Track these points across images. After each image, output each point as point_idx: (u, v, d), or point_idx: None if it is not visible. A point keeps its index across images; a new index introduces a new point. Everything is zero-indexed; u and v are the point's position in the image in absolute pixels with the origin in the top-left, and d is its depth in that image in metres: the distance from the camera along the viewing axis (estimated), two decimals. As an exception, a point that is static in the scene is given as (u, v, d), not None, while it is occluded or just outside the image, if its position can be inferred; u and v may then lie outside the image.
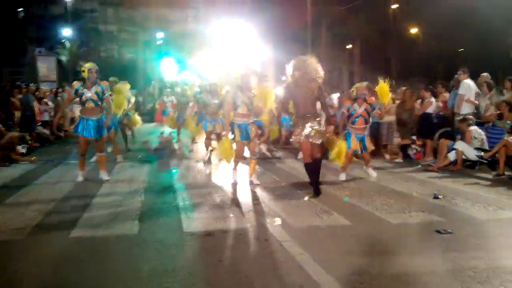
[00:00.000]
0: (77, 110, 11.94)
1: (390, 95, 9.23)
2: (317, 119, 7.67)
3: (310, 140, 7.55)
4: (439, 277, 4.23)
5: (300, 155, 10.67)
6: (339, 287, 3.97)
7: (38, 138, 14.95)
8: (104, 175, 8.73)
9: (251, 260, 4.71)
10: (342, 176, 8.97)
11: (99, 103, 8.39)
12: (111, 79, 12.13)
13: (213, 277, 4.20)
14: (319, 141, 7.62)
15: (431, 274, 4.31)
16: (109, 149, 11.65)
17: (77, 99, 8.62)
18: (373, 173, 9.14)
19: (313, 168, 7.71)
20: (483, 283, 4.10)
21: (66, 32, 44.31)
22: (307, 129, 7.56)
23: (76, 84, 8.47)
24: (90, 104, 8.30)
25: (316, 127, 7.56)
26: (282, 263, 4.56)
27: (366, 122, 8.95)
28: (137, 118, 13.70)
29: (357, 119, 8.83)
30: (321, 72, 7.55)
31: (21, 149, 11.91)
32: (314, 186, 7.62)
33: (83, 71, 8.32)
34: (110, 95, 9.66)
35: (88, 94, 8.27)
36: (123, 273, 4.33)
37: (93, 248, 5.08)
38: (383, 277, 4.23)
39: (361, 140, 8.93)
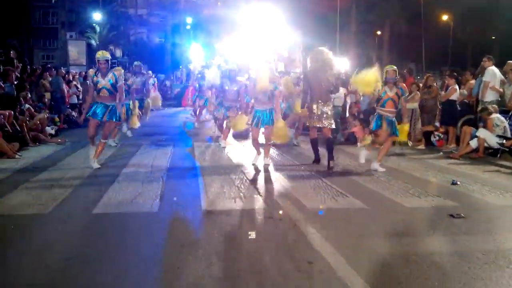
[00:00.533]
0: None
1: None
2: (329, 106, 8.72)
3: (320, 123, 8.65)
4: (446, 258, 4.32)
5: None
6: (347, 264, 4.10)
7: (66, 120, 15.37)
8: (94, 163, 8.42)
9: (264, 238, 4.87)
10: (379, 167, 8.54)
11: (114, 91, 8.32)
12: (136, 63, 12.39)
13: (225, 252, 4.38)
14: (326, 124, 8.65)
15: (439, 255, 4.40)
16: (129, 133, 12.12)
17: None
18: (380, 168, 8.52)
19: (327, 147, 8.77)
20: (490, 264, 4.19)
21: (97, 16, 44.89)
22: (319, 112, 8.61)
23: (92, 72, 8.53)
24: (105, 93, 8.24)
25: (327, 112, 8.64)
26: (293, 241, 4.71)
27: (396, 106, 8.59)
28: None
29: (387, 101, 8.48)
30: (335, 67, 8.78)
31: (50, 130, 12.27)
32: (329, 161, 8.64)
33: (98, 59, 8.27)
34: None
35: (102, 82, 8.21)
36: (141, 247, 4.54)
37: (114, 224, 5.31)
38: (391, 256, 4.35)
39: (391, 124, 8.54)
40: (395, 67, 8.76)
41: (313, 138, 9.07)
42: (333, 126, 8.93)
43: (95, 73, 8.34)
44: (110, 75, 8.25)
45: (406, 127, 8.94)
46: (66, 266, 4.04)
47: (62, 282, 3.76)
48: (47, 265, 4.05)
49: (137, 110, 12.17)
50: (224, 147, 10.98)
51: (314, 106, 8.66)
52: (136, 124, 12.11)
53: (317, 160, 9.20)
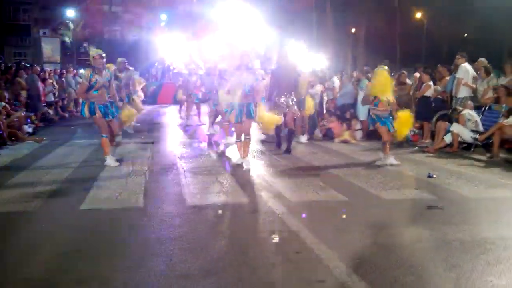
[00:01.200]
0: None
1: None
2: (292, 97, 9.82)
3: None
4: (425, 247, 4.52)
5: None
6: (332, 253, 4.26)
7: (43, 118, 15.24)
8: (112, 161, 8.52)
9: (250, 230, 5.02)
10: (393, 160, 8.77)
11: (108, 87, 8.36)
12: (119, 59, 12.22)
13: (212, 244, 4.51)
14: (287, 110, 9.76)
15: (418, 244, 4.60)
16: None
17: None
18: (394, 161, 8.77)
19: (288, 137, 10.15)
20: (466, 253, 4.39)
21: (70, 13, 44.31)
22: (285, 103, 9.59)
23: (88, 72, 8.32)
24: (103, 91, 8.22)
25: (291, 103, 9.76)
26: (279, 233, 4.87)
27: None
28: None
29: (380, 102, 8.80)
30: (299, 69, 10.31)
31: (27, 128, 12.19)
32: (288, 145, 9.95)
33: (93, 56, 8.27)
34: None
35: (101, 81, 8.20)
36: (131, 241, 4.64)
37: (102, 219, 5.39)
38: (372, 245, 4.53)
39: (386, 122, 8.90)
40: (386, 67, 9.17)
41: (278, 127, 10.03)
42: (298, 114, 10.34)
43: (91, 72, 8.20)
44: (104, 72, 8.29)
45: (405, 116, 9.19)
46: (61, 261, 4.11)
47: (59, 276, 3.83)
48: (41, 261, 4.12)
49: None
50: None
51: (282, 99, 9.65)
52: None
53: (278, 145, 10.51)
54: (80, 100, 8.65)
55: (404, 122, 9.11)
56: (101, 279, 3.75)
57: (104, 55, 8.36)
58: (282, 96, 9.62)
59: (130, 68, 12.69)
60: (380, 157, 9.00)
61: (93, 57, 8.25)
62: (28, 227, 5.06)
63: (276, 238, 4.70)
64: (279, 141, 10.54)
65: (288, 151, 9.89)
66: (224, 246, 4.50)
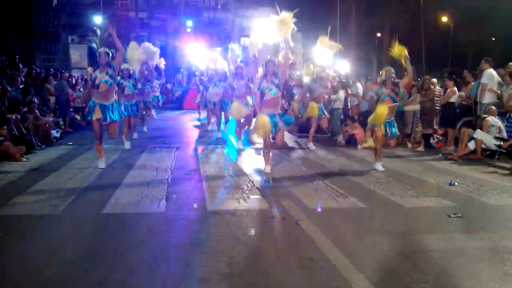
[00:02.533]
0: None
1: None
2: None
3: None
4: (442, 255, 4.51)
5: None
6: (347, 261, 4.29)
7: (71, 124, 15.58)
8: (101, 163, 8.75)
9: (267, 236, 5.09)
10: (379, 166, 8.88)
11: (113, 84, 8.52)
12: (123, 66, 12.15)
13: (230, 250, 4.57)
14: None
15: (436, 252, 4.59)
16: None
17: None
18: (380, 167, 8.85)
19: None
20: (484, 261, 4.38)
21: (97, 19, 45.03)
22: None
23: (90, 69, 8.68)
24: (104, 86, 8.36)
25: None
26: (296, 240, 4.91)
27: (394, 100, 8.86)
28: None
29: (385, 98, 8.79)
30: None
31: (55, 133, 12.46)
32: None
33: (98, 54, 8.52)
34: None
35: (100, 76, 8.33)
36: (151, 245, 4.74)
37: (124, 223, 5.52)
38: (390, 253, 4.55)
39: (389, 125, 8.86)
40: (391, 68, 9.13)
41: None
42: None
43: (94, 69, 8.50)
44: (107, 68, 8.40)
45: (382, 109, 8.80)
46: (80, 263, 4.24)
47: (77, 278, 3.94)
48: (62, 262, 4.25)
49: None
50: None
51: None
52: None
53: None
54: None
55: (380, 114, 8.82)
56: (117, 282, 3.85)
57: (110, 54, 8.54)
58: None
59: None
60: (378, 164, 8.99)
61: (99, 53, 8.45)
62: (51, 230, 5.21)
63: (292, 245, 4.75)
64: None
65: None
66: (240, 251, 4.56)
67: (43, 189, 7.05)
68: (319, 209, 6.07)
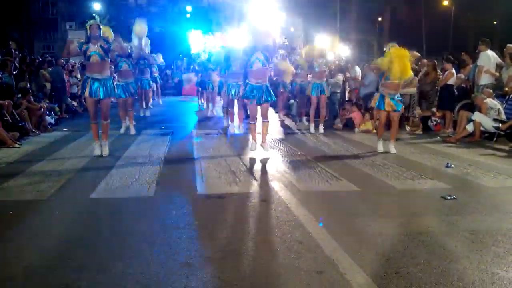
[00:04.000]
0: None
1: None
2: None
3: None
4: (435, 238, 4.41)
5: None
6: (336, 243, 4.20)
7: (67, 110, 15.45)
8: (105, 148, 8.46)
9: (257, 219, 4.99)
10: (380, 147, 8.90)
11: (105, 57, 8.18)
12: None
13: (218, 233, 4.48)
14: None
15: (427, 234, 4.50)
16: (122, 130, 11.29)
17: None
18: (393, 149, 8.82)
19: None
20: (476, 243, 4.28)
21: (96, 6, 44.75)
22: None
23: (80, 40, 8.22)
24: (95, 58, 8.05)
25: None
26: (285, 222, 4.81)
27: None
28: None
29: (390, 75, 8.59)
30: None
31: (49, 119, 12.35)
32: None
33: (86, 29, 8.20)
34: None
35: (93, 47, 8.04)
36: (137, 230, 4.64)
37: (111, 208, 5.42)
38: (379, 235, 4.44)
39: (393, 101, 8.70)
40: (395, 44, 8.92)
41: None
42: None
43: (85, 41, 8.10)
44: (100, 41, 8.11)
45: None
46: (62, 249, 4.14)
47: (59, 263, 3.85)
48: (43, 248, 4.16)
49: None
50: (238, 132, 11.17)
51: None
52: None
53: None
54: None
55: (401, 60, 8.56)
56: (100, 267, 3.75)
57: (101, 27, 8.24)
58: None
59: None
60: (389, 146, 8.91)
61: (90, 26, 8.10)
62: (36, 216, 5.11)
63: (281, 228, 4.64)
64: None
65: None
66: (228, 235, 4.46)
67: (32, 175, 6.95)
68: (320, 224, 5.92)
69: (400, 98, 8.85)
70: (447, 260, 3.89)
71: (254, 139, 8.68)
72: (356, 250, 4.05)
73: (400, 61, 8.43)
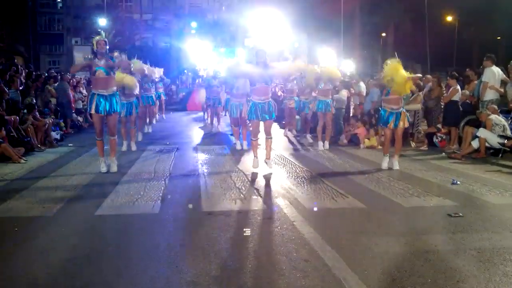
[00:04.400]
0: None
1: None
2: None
3: None
4: (441, 256, 4.38)
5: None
6: (342, 262, 4.17)
7: (72, 125, 15.52)
8: (113, 164, 8.47)
9: (262, 237, 4.96)
10: (385, 163, 8.89)
11: (111, 72, 8.22)
12: (133, 61, 12.21)
13: (223, 252, 4.46)
14: None
15: (434, 253, 4.46)
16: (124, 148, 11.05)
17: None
18: (397, 165, 8.82)
19: None
20: (484, 262, 4.24)
21: (102, 21, 45.08)
22: None
23: (86, 56, 8.37)
24: (101, 74, 8.07)
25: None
26: (291, 241, 4.78)
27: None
28: None
29: (391, 90, 8.65)
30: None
31: (55, 135, 12.40)
32: None
33: (93, 44, 8.30)
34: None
35: (99, 63, 8.09)
36: (141, 247, 4.63)
37: (116, 225, 5.42)
38: (385, 254, 4.41)
39: (396, 116, 8.72)
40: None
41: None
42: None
43: (92, 57, 8.22)
44: (107, 58, 8.20)
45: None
46: (67, 266, 4.14)
47: (63, 281, 3.85)
48: (49, 265, 4.16)
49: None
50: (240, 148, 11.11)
51: None
52: None
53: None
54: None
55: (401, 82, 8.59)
56: (105, 285, 3.75)
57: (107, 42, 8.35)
58: None
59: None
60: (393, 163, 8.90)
61: (97, 41, 8.17)
62: (42, 232, 5.11)
63: (286, 246, 4.62)
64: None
65: None
66: (232, 253, 4.45)
67: (38, 191, 6.97)
68: (315, 209, 5.95)
69: (401, 111, 8.80)
70: (455, 279, 3.86)
71: (256, 156, 8.62)
72: (363, 269, 4.03)
73: (396, 73, 8.53)
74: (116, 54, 10.98)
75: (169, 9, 50.65)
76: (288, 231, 5.10)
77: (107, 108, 8.12)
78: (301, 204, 6.18)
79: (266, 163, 8.57)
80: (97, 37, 8.30)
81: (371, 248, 4.57)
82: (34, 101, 12.84)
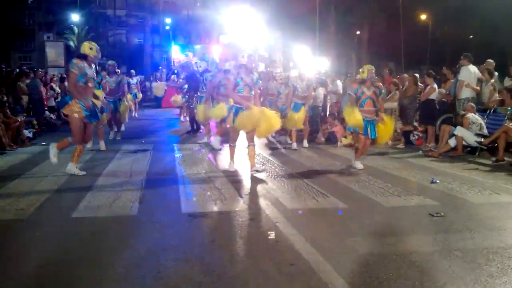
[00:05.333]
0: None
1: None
2: None
3: None
4: (426, 257, 4.34)
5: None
6: (327, 265, 4.10)
7: (45, 123, 15.18)
8: (73, 168, 8.09)
9: (245, 240, 4.87)
10: (358, 165, 8.72)
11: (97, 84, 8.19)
12: (110, 62, 12.24)
13: (205, 255, 4.35)
14: None
15: (419, 254, 4.42)
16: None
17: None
18: (360, 165, 8.71)
19: None
20: (469, 263, 4.22)
21: (75, 17, 44.36)
22: None
23: (79, 62, 7.79)
24: (92, 83, 7.94)
25: None
26: (275, 243, 4.70)
27: (375, 105, 8.65)
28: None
29: (366, 101, 8.57)
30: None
31: (27, 133, 12.09)
32: None
33: (91, 48, 7.95)
34: None
35: (90, 72, 7.89)
36: (120, 250, 4.48)
37: (94, 227, 5.24)
38: (370, 255, 4.36)
39: (370, 125, 8.62)
40: (372, 67, 8.83)
41: None
42: None
43: (83, 63, 7.86)
44: (93, 66, 8.11)
45: (390, 126, 8.85)
46: (40, 273, 3.96)
47: (39, 287, 3.69)
48: (20, 272, 3.97)
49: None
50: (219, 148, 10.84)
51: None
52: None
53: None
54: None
55: (386, 128, 8.77)
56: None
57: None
58: None
59: (120, 72, 12.69)
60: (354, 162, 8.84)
61: (97, 49, 8.06)
62: (16, 236, 4.93)
63: (270, 249, 4.54)
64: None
65: None
66: (216, 257, 4.33)
67: (10, 193, 6.74)
68: (299, 212, 5.88)
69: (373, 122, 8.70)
70: (442, 281, 3.82)
71: (233, 160, 8.48)
72: (349, 272, 3.96)
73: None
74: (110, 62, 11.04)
75: (143, 5, 50.11)
76: (272, 233, 5.00)
77: (86, 118, 7.99)
78: (283, 205, 6.10)
79: (256, 171, 8.16)
80: (92, 44, 8.13)
81: (355, 249, 4.51)
82: (5, 98, 12.48)
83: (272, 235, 4.94)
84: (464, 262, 4.25)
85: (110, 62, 12.32)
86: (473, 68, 11.06)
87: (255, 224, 5.34)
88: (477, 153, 9.96)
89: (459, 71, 11.23)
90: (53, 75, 20.37)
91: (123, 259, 4.26)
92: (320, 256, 4.30)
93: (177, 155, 10.24)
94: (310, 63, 16.35)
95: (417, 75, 12.95)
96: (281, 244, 4.65)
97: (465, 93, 10.93)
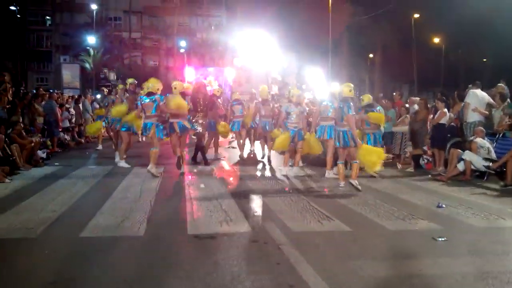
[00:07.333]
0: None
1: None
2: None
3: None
4: (426, 281, 4.39)
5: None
6: (327, 287, 4.15)
7: (59, 144, 15.43)
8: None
9: (247, 261, 4.93)
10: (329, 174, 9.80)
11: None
12: (130, 81, 12.44)
13: (209, 276, 4.43)
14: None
15: (419, 277, 4.47)
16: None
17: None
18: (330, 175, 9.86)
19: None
20: (467, 287, 4.25)
21: (91, 39, 45.11)
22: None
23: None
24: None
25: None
26: (276, 265, 4.77)
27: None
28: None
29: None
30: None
31: (41, 154, 12.30)
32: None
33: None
34: None
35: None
36: (125, 269, 4.59)
37: (101, 247, 5.35)
38: (371, 279, 4.41)
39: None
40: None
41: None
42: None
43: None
44: None
45: (378, 155, 9.15)
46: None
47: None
48: (30, 289, 4.09)
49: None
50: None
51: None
52: None
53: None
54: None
55: (374, 157, 9.04)
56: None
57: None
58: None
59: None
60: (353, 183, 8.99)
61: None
62: (25, 254, 5.06)
63: (272, 270, 4.61)
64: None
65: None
66: (217, 277, 4.41)
67: (22, 212, 6.89)
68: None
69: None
70: (439, 305, 3.87)
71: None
72: (347, 295, 4.02)
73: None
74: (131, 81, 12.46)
75: (158, 28, 50.85)
76: (274, 254, 5.08)
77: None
78: (288, 227, 6.16)
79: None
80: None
81: (357, 272, 4.57)
82: (21, 119, 12.74)
83: (274, 257, 5.01)
84: (462, 286, 4.28)
85: (130, 80, 12.50)
86: (480, 93, 11.11)
87: (258, 246, 5.42)
88: (485, 178, 9.94)
89: (466, 95, 11.29)
90: (68, 96, 20.69)
91: (125, 277, 4.36)
92: (321, 278, 4.37)
93: (187, 176, 10.35)
94: (323, 85, 16.44)
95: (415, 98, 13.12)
96: (283, 266, 4.72)
97: (473, 117, 10.97)
